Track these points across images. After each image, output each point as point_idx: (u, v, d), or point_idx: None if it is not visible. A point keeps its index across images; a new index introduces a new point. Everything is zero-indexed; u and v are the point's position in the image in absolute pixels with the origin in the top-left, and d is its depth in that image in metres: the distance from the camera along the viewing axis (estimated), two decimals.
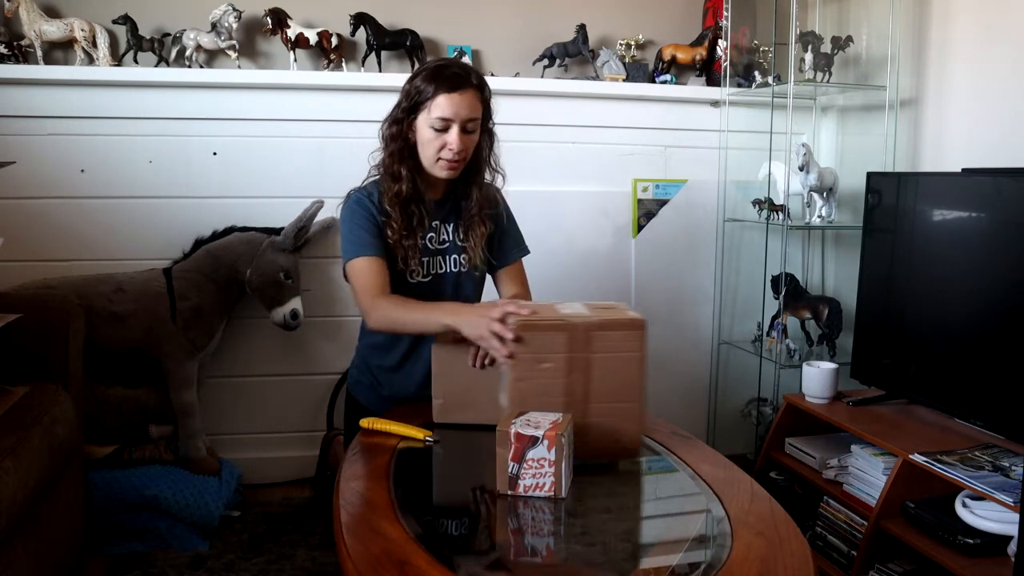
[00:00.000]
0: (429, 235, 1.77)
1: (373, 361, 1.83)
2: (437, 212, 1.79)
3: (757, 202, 2.76)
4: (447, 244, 1.79)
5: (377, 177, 1.78)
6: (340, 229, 1.75)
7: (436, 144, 1.67)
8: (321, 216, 2.55)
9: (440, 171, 1.71)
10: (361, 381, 1.86)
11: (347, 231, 1.72)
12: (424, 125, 1.67)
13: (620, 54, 2.90)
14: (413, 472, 1.40)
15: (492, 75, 2.79)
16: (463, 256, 1.80)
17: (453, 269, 1.80)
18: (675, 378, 2.97)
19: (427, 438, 1.47)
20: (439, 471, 1.47)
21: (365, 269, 1.68)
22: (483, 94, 1.71)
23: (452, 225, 1.80)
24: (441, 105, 1.64)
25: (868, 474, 2.04)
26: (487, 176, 1.82)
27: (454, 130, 1.66)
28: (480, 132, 1.73)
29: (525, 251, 1.93)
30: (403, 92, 1.71)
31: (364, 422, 1.55)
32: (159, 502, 2.32)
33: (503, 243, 1.87)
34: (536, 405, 1.33)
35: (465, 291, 1.83)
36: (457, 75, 1.66)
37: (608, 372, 1.35)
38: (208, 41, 2.58)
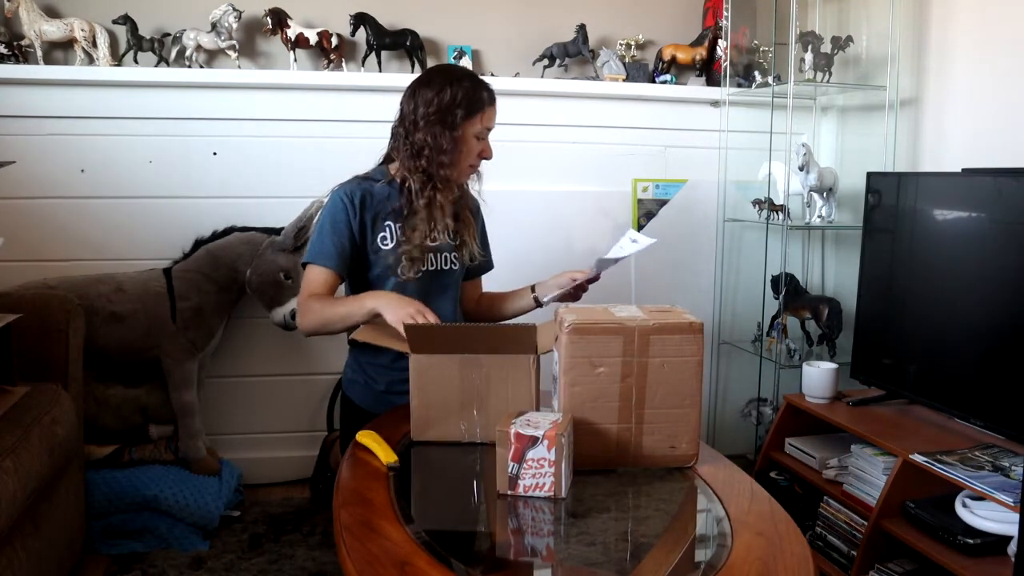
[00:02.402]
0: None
1: (366, 357, 1.83)
2: None
3: (757, 202, 2.76)
4: (437, 242, 1.80)
5: (360, 177, 1.79)
6: (316, 224, 1.79)
7: (476, 151, 1.76)
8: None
9: (467, 176, 1.81)
10: (355, 380, 1.86)
11: (317, 231, 1.76)
12: (471, 134, 1.74)
13: (620, 54, 2.91)
14: (413, 472, 1.40)
15: (492, 75, 2.79)
16: (453, 254, 1.83)
17: (444, 267, 1.81)
18: None
19: (389, 464, 1.36)
20: (439, 472, 1.47)
21: (311, 276, 1.73)
22: None
23: (442, 224, 1.81)
24: (490, 116, 1.76)
25: (868, 474, 2.04)
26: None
27: (488, 139, 1.77)
28: None
29: (491, 265, 2.01)
30: (445, 97, 1.70)
31: (358, 435, 1.53)
32: (159, 502, 2.32)
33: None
34: (590, 411, 1.31)
35: (452, 290, 1.85)
36: (492, 89, 1.77)
37: (664, 377, 1.32)
38: (208, 41, 2.58)
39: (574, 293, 1.81)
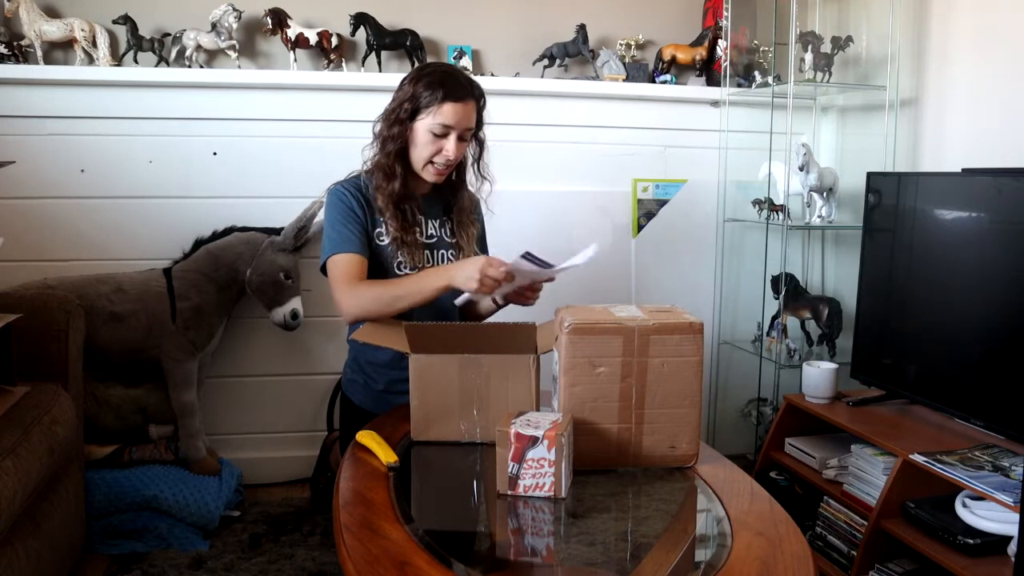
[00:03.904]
0: (415, 229, 1.79)
1: (365, 357, 1.83)
2: (425, 207, 1.82)
3: (757, 202, 2.76)
4: (434, 239, 1.81)
5: (360, 172, 1.81)
6: (324, 225, 1.77)
7: (432, 149, 1.72)
8: (321, 216, 2.55)
9: (428, 175, 1.76)
10: (355, 380, 1.86)
11: (328, 227, 1.75)
12: (423, 129, 1.71)
13: (620, 54, 2.91)
14: (413, 472, 1.40)
15: (492, 75, 2.79)
16: (450, 252, 1.83)
17: (442, 264, 1.81)
18: None
19: (389, 464, 1.36)
20: (439, 472, 1.47)
21: (343, 263, 1.69)
22: (479, 104, 1.76)
23: (439, 221, 1.84)
24: (446, 113, 1.69)
25: (868, 474, 2.04)
26: (473, 183, 1.88)
27: (452, 138, 1.71)
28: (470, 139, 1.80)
29: None
30: (404, 93, 1.73)
31: (358, 436, 1.53)
32: (159, 502, 2.32)
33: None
34: (590, 411, 1.31)
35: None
36: (463, 86, 1.71)
37: (664, 377, 1.32)
38: (208, 41, 2.58)
39: (523, 294, 1.69)
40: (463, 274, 1.56)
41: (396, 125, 1.72)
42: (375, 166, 1.77)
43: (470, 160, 1.85)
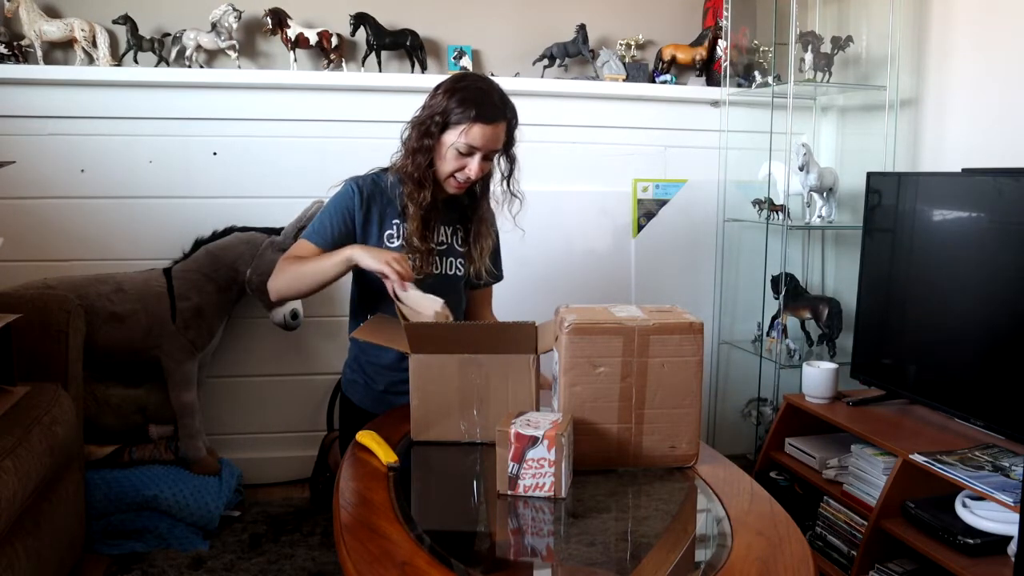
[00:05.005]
0: (430, 236, 1.79)
1: (366, 357, 1.83)
2: (443, 213, 1.81)
3: (757, 202, 2.76)
4: (445, 246, 1.80)
5: (385, 170, 1.80)
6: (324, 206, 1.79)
7: (455, 165, 1.71)
8: None
9: (449, 187, 1.75)
10: (355, 380, 1.85)
11: (321, 212, 1.77)
12: (449, 144, 1.69)
13: (620, 54, 2.91)
14: (413, 472, 1.40)
15: (492, 75, 2.78)
16: (459, 260, 1.82)
17: (449, 271, 1.80)
18: None
19: (389, 464, 1.36)
20: (439, 472, 1.47)
21: (298, 248, 1.73)
22: (510, 125, 1.74)
23: (451, 228, 1.82)
24: (475, 134, 1.66)
25: (868, 474, 2.04)
26: (500, 198, 1.85)
27: (476, 158, 1.69)
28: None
29: (500, 277, 1.97)
30: (436, 104, 1.69)
31: (358, 436, 1.53)
32: (159, 502, 2.32)
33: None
34: (590, 411, 1.31)
35: (455, 294, 1.83)
36: (496, 106, 1.68)
37: (664, 377, 1.32)
38: (208, 41, 2.58)
39: None
40: (369, 255, 1.60)
41: (425, 138, 1.70)
42: (405, 175, 1.74)
43: (499, 176, 1.82)
